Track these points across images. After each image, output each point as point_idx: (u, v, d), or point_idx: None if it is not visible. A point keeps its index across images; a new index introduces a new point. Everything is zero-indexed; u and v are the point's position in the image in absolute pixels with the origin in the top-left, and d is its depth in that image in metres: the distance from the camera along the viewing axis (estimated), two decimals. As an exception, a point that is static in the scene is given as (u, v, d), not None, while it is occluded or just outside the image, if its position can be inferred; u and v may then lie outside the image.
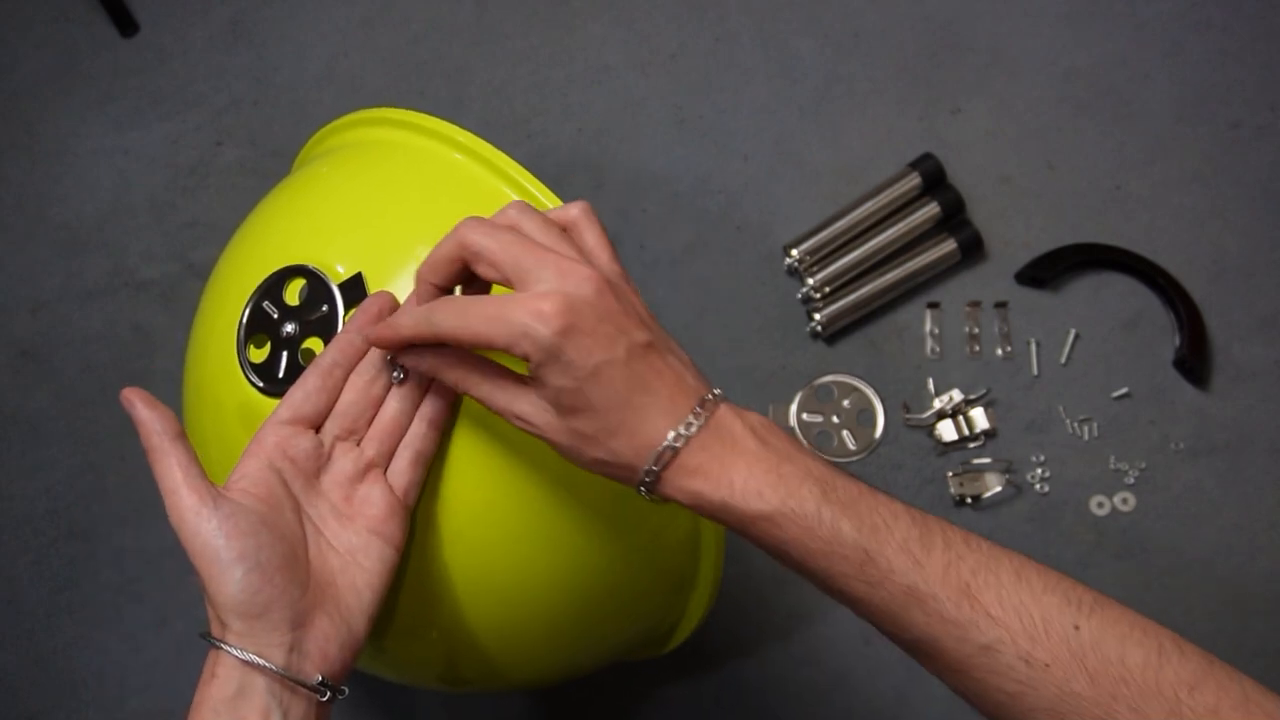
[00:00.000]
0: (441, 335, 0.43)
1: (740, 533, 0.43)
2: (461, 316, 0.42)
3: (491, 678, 0.57)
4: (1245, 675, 0.40)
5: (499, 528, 0.50)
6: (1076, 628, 0.40)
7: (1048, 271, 0.80)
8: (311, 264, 0.51)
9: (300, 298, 0.50)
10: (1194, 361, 0.78)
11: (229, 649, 0.41)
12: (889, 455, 0.79)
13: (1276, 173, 0.83)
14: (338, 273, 0.50)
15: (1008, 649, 0.40)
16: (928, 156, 0.82)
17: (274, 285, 0.51)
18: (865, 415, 0.79)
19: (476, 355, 0.45)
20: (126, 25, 0.88)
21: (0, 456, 0.81)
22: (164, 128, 0.87)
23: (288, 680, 0.42)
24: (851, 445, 0.79)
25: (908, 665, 0.76)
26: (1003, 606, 0.41)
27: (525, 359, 0.41)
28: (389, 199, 0.53)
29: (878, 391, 0.80)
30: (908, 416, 0.79)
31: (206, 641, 0.42)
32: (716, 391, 0.44)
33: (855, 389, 0.80)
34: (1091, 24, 0.86)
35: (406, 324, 0.44)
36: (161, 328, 0.83)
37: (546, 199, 0.51)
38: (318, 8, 0.90)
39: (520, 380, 0.44)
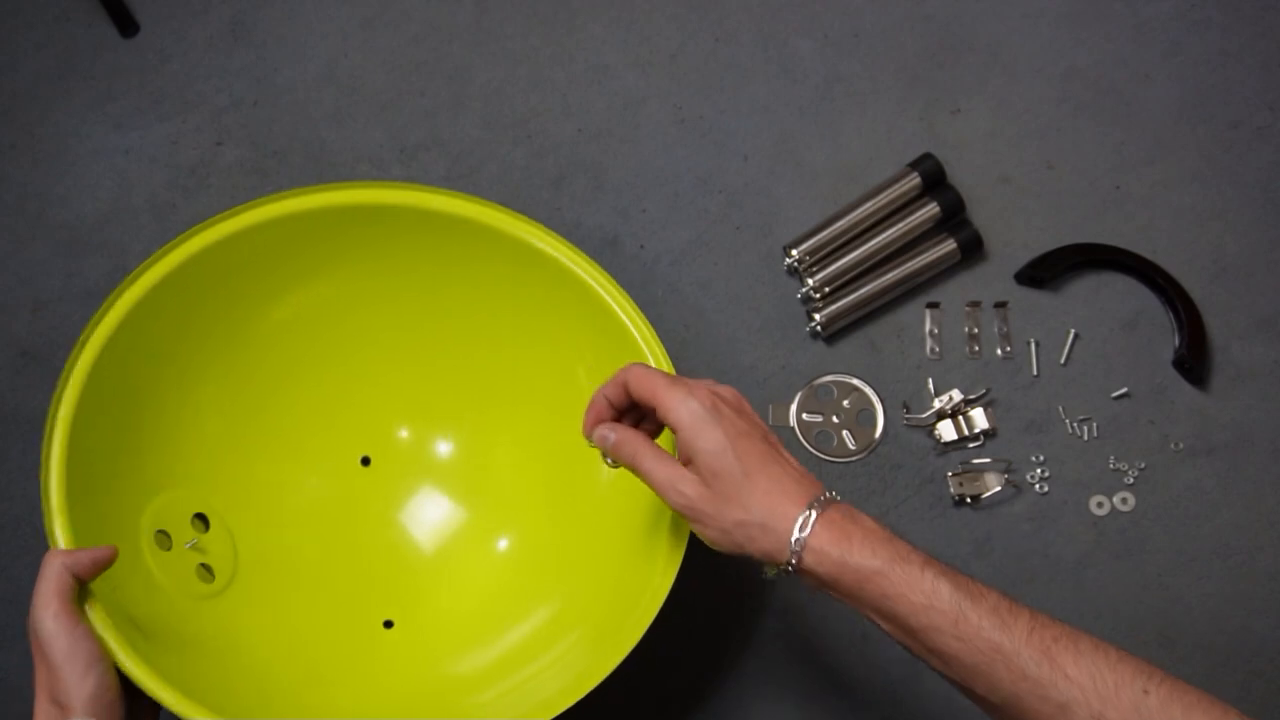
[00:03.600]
0: (631, 388, 0.56)
1: (852, 594, 0.50)
2: (650, 384, 0.55)
3: None
4: None
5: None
6: (1146, 692, 0.44)
7: (1048, 271, 0.80)
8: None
9: None
10: (1194, 361, 0.78)
11: None
12: (889, 455, 0.79)
13: (1276, 173, 0.83)
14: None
15: (1081, 708, 0.45)
16: (928, 156, 0.82)
17: None
18: (865, 415, 0.79)
19: (649, 440, 0.56)
20: (126, 25, 0.88)
21: (0, 456, 0.81)
22: (164, 128, 0.87)
23: None
24: (851, 445, 0.79)
25: (905, 662, 0.76)
26: (1078, 668, 0.45)
27: (681, 427, 0.53)
28: None
29: (878, 391, 0.80)
30: (908, 416, 0.79)
31: None
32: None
33: (855, 389, 0.80)
34: (1091, 24, 0.86)
35: (610, 387, 0.57)
36: (162, 328, 0.83)
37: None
38: (318, 8, 0.90)
39: (677, 461, 0.55)
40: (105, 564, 0.55)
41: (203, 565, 0.66)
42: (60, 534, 0.57)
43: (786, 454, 0.55)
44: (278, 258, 0.68)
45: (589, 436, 0.58)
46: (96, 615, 0.55)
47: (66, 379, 0.60)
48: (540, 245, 0.68)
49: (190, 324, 0.67)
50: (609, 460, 0.58)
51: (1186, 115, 0.84)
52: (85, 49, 0.88)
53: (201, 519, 0.68)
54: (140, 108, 0.88)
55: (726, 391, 0.56)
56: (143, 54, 0.88)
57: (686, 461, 0.54)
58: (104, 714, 0.51)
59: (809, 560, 0.51)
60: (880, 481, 0.78)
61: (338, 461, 0.75)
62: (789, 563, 0.51)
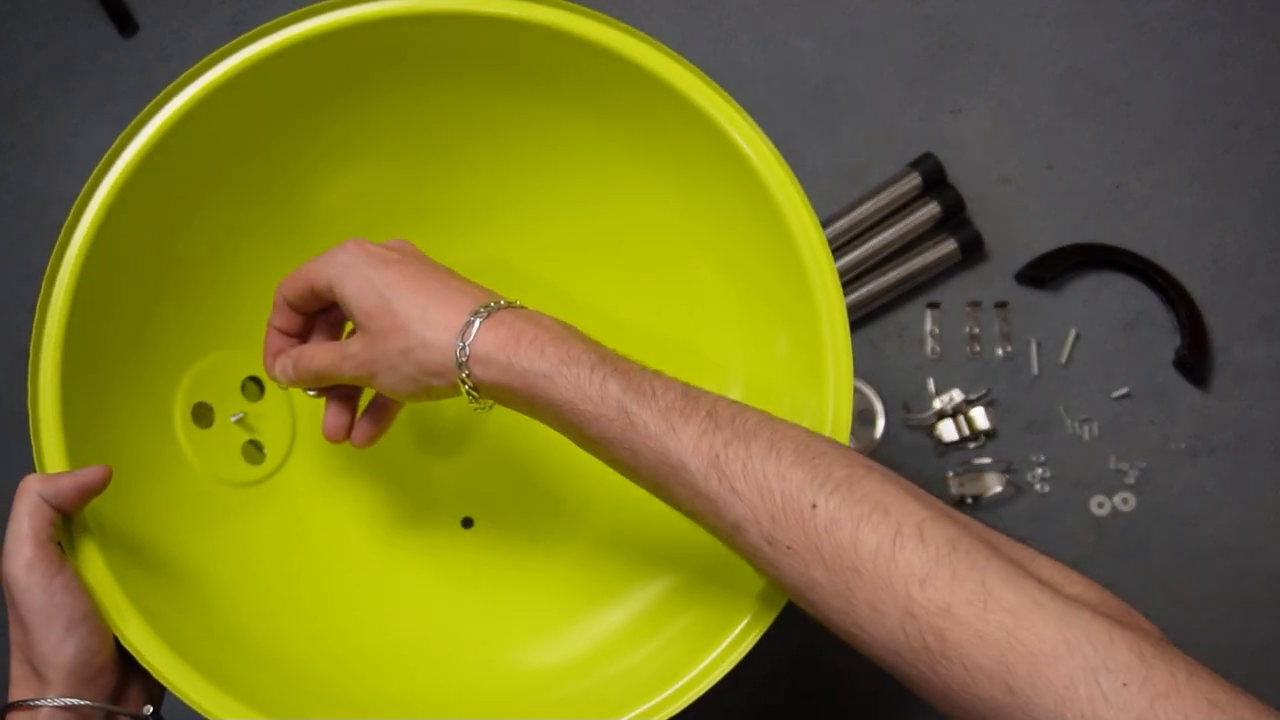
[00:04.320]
0: (287, 294, 0.49)
1: (528, 404, 0.43)
2: (299, 271, 0.49)
3: None
4: (999, 557, 0.35)
5: None
6: (814, 506, 0.37)
7: (1048, 271, 0.80)
8: None
9: None
10: (1194, 361, 0.78)
11: (50, 701, 0.41)
12: (889, 455, 0.79)
13: (1276, 173, 0.83)
14: None
15: (752, 529, 0.38)
16: (928, 156, 0.82)
17: None
18: (865, 415, 0.79)
19: (316, 341, 0.51)
20: (126, 25, 0.87)
21: (0, 456, 0.81)
22: (164, 128, 0.87)
23: (116, 714, 0.43)
24: (852, 445, 0.79)
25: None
26: (747, 481, 0.38)
27: (333, 284, 0.46)
28: None
29: (878, 391, 0.80)
30: (908, 416, 0.79)
31: (21, 706, 0.41)
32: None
33: (855, 389, 0.80)
34: (1091, 24, 0.86)
35: (274, 315, 0.51)
36: (161, 328, 0.83)
37: None
38: (318, 8, 0.90)
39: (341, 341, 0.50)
40: (95, 489, 0.44)
41: (252, 443, 0.57)
42: (49, 445, 0.45)
43: (454, 273, 0.47)
44: (355, 84, 0.53)
45: (272, 377, 0.52)
46: (86, 558, 0.44)
47: (70, 232, 0.48)
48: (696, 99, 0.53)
49: (236, 168, 0.54)
50: (310, 391, 0.52)
51: (1186, 115, 0.84)
52: (85, 49, 0.88)
53: (256, 383, 0.58)
54: (140, 108, 0.87)
55: (386, 242, 0.49)
56: (142, 54, 0.88)
57: (354, 329, 0.48)
58: (90, 684, 0.42)
59: (478, 372, 0.43)
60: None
61: None
62: (466, 383, 0.43)
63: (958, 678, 0.33)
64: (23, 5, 0.89)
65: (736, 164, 0.52)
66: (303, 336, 0.52)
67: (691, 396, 0.41)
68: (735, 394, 0.56)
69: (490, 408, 0.45)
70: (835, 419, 0.50)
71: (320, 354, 0.49)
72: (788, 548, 0.37)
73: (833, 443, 0.40)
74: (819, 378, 0.50)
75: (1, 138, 0.86)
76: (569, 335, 0.43)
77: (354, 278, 0.45)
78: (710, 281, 0.58)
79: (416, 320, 0.44)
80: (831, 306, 0.50)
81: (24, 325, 0.84)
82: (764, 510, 0.38)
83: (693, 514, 0.41)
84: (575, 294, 0.61)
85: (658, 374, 0.42)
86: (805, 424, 0.46)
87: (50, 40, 0.88)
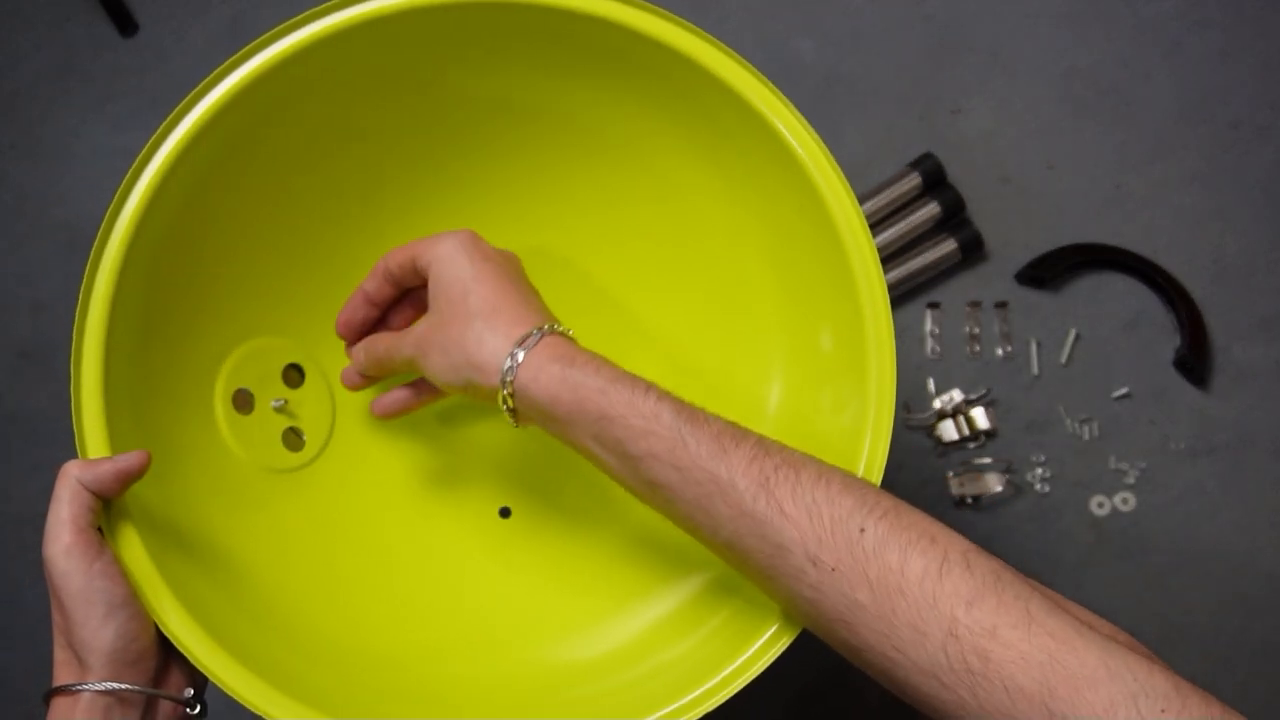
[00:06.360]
0: (391, 263, 0.52)
1: (571, 415, 0.44)
2: (409, 244, 0.52)
3: None
4: (1040, 591, 0.37)
5: None
6: (862, 530, 0.39)
7: (1048, 271, 0.80)
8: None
9: None
10: (1194, 361, 0.78)
11: (92, 686, 0.41)
12: (889, 456, 0.79)
13: (1276, 173, 0.83)
14: None
15: (798, 549, 0.40)
16: (928, 156, 0.82)
17: None
18: (865, 415, 0.79)
19: (379, 333, 0.54)
20: (126, 25, 0.87)
21: (0, 456, 0.81)
22: (164, 128, 0.87)
23: (158, 698, 0.43)
24: (851, 445, 0.79)
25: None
26: (795, 503, 0.40)
27: (435, 261, 0.49)
28: None
29: (878, 391, 0.80)
30: (908, 416, 0.79)
31: (63, 691, 0.41)
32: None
33: (855, 389, 0.80)
34: (1091, 24, 0.86)
35: (369, 280, 0.54)
36: (161, 328, 0.83)
37: None
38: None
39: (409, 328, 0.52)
40: (135, 475, 0.44)
41: (291, 430, 0.57)
42: (91, 429, 0.45)
43: (537, 294, 0.50)
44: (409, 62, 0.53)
45: (349, 355, 0.56)
46: (126, 543, 0.44)
47: (114, 217, 0.48)
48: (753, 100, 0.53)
49: (286, 150, 0.53)
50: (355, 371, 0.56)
51: (1187, 115, 0.84)
52: (85, 49, 0.88)
53: (296, 370, 0.58)
54: (140, 108, 0.88)
55: (498, 247, 0.51)
56: (142, 54, 0.88)
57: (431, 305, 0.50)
58: (130, 668, 0.42)
59: (524, 377, 0.45)
60: (881, 482, 0.78)
61: None
62: (506, 387, 0.45)
63: (997, 700, 0.34)
64: (23, 5, 0.89)
65: (785, 160, 0.53)
66: (381, 311, 0.55)
67: (740, 429, 0.43)
68: (777, 385, 0.57)
69: (518, 425, 0.47)
70: (877, 417, 0.51)
71: (385, 338, 0.53)
72: (833, 569, 0.39)
73: (873, 484, 0.43)
74: (861, 372, 0.51)
75: (1, 138, 0.86)
76: (618, 366, 0.45)
77: (450, 264, 0.48)
78: (754, 275, 0.58)
79: (484, 318, 0.47)
80: (875, 299, 0.50)
81: (24, 325, 0.84)
82: (811, 532, 0.39)
83: (731, 536, 0.42)
84: (613, 288, 0.62)
85: (694, 406, 0.44)
86: (848, 420, 0.50)
87: (50, 40, 0.88)
